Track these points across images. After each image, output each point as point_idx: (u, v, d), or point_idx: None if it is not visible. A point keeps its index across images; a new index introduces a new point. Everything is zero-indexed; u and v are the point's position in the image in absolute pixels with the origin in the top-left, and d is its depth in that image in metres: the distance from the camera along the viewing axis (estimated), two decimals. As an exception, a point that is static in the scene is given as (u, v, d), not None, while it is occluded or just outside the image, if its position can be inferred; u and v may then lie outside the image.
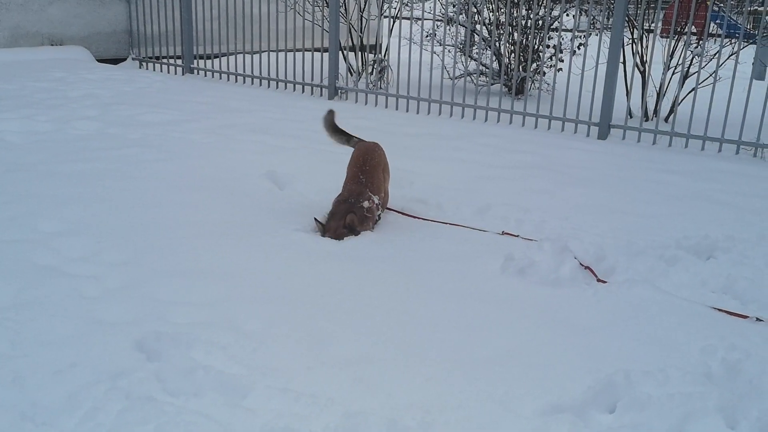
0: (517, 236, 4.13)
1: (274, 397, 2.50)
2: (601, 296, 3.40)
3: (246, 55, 9.83)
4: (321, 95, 9.04)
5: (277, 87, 9.48)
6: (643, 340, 2.98)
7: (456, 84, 8.48)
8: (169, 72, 10.41)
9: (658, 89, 8.03)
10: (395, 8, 10.09)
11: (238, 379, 2.59)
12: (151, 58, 10.68)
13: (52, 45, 10.70)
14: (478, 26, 9.41)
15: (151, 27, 10.53)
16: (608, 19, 7.47)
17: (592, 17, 9.01)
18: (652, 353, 2.88)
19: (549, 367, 2.76)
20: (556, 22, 9.16)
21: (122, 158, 5.43)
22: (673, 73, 8.01)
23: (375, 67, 9.77)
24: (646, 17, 8.46)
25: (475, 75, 9.44)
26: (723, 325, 3.10)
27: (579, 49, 8.57)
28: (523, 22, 8.91)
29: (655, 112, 7.92)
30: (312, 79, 9.17)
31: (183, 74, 10.28)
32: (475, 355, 2.83)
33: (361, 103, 8.74)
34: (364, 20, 9.96)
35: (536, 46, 9.17)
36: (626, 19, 7.40)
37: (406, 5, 10.68)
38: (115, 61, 11.11)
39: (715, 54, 7.33)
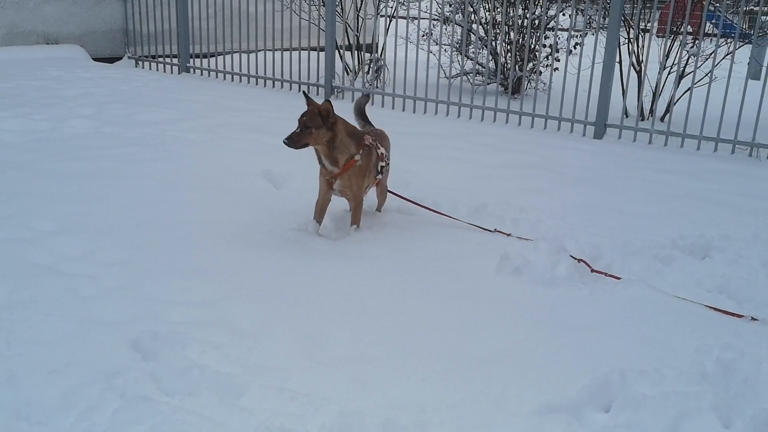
0: (509, 235, 4.13)
1: (270, 397, 2.50)
2: (597, 296, 3.40)
3: (242, 54, 9.82)
4: (318, 94, 9.03)
5: (273, 86, 9.47)
6: (639, 339, 2.99)
7: (452, 83, 8.47)
8: (165, 71, 10.40)
9: (654, 89, 8.04)
10: (391, 7, 10.08)
11: (234, 378, 2.59)
12: (147, 56, 10.66)
13: (47, 44, 10.67)
14: (474, 25, 9.42)
15: (148, 26, 10.51)
16: (604, 18, 7.48)
17: (588, 17, 9.02)
18: (647, 352, 2.88)
19: (544, 366, 2.77)
20: (553, 21, 9.17)
21: (118, 157, 5.42)
22: (669, 73, 8.02)
23: (371, 66, 9.77)
24: (642, 17, 8.46)
25: (471, 74, 9.45)
26: (718, 325, 3.11)
27: (575, 48, 8.58)
28: (520, 22, 8.92)
29: (651, 111, 7.93)
30: (309, 78, 9.16)
31: (179, 73, 10.27)
32: (470, 355, 2.83)
33: (357, 102, 8.73)
34: (360, 19, 9.95)
35: (533, 46, 9.17)
36: (622, 18, 7.41)
37: (403, 4, 10.68)
38: (111, 60, 11.09)
39: (710, 54, 7.34)
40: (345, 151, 3.89)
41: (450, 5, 9.61)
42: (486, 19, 9.50)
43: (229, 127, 6.70)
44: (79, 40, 10.93)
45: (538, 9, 9.17)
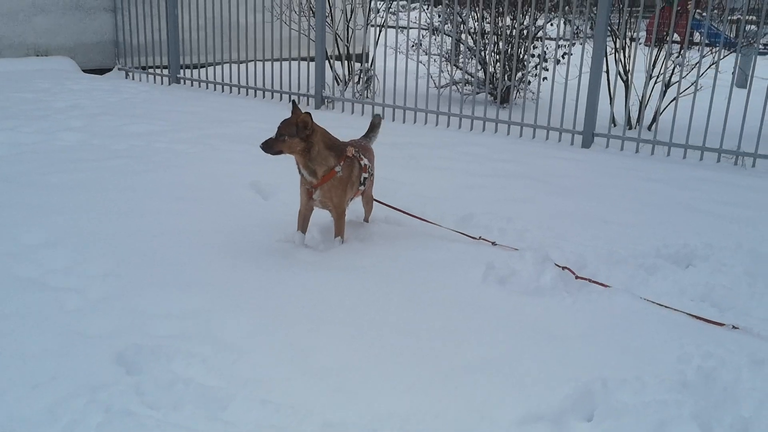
0: (494, 243, 4.15)
1: (254, 409, 2.52)
2: (581, 305, 3.43)
3: (233, 64, 9.85)
4: (308, 104, 9.06)
5: (263, 96, 9.50)
6: (621, 348, 3.02)
7: (442, 93, 8.52)
8: (155, 82, 10.41)
9: (640, 98, 8.10)
10: (381, 17, 10.14)
11: (218, 391, 2.60)
12: (137, 68, 10.68)
13: (37, 55, 10.67)
14: (463, 36, 9.48)
15: (138, 37, 10.53)
16: (591, 28, 7.54)
17: (575, 27, 9.09)
18: (629, 361, 2.91)
19: (527, 375, 2.79)
20: (541, 31, 9.23)
21: (106, 169, 5.43)
22: (656, 83, 8.09)
23: (361, 76, 9.81)
24: (628, 27, 8.54)
25: (460, 84, 9.50)
26: (699, 333, 3.14)
27: (563, 58, 8.64)
28: (508, 32, 8.98)
29: (638, 120, 7.99)
30: (299, 89, 9.19)
31: (169, 84, 10.28)
32: (454, 364, 2.85)
33: (347, 111, 8.77)
34: (350, 29, 10.00)
35: (521, 55, 9.24)
36: (609, 28, 7.47)
37: (392, 14, 10.74)
38: (101, 72, 11.09)
39: (696, 63, 7.41)
40: (323, 162, 3.91)
41: (439, 15, 9.67)
42: (475, 29, 9.56)
43: (218, 137, 6.72)
44: (69, 52, 10.93)
45: (527, 19, 9.23)
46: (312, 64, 9.06)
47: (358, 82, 9.84)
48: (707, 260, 4.01)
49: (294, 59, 9.38)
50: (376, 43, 10.03)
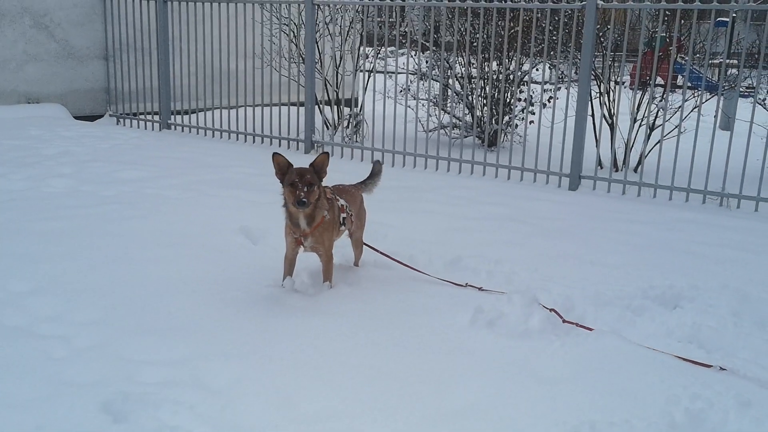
0: (480, 288, 4.17)
1: (241, 457, 2.50)
2: (569, 348, 3.44)
3: (223, 110, 9.95)
4: (297, 149, 9.15)
5: (254, 141, 9.58)
6: (609, 390, 3.02)
7: (430, 137, 8.63)
8: (146, 128, 10.49)
9: (626, 140, 8.22)
10: (370, 63, 10.30)
11: (205, 439, 2.58)
12: (128, 114, 10.76)
13: (29, 103, 10.75)
14: (450, 80, 9.63)
15: (129, 84, 10.64)
16: (576, 73, 7.69)
17: (560, 71, 9.26)
18: (617, 404, 2.91)
19: (515, 419, 2.79)
20: (527, 76, 9.39)
21: (95, 216, 5.44)
22: (640, 125, 8.22)
23: (351, 120, 9.92)
24: (612, 71, 8.71)
25: (448, 128, 9.62)
26: (687, 375, 3.15)
27: (549, 102, 8.78)
28: (495, 76, 9.14)
29: (624, 162, 8.10)
30: (288, 133, 9.28)
31: (160, 130, 10.36)
32: (442, 409, 2.84)
33: (337, 156, 8.84)
34: (339, 75, 10.15)
35: (508, 99, 9.38)
36: (593, 72, 7.62)
37: (381, 60, 10.92)
38: (93, 118, 11.17)
39: (678, 107, 7.54)
40: (322, 208, 3.94)
41: (427, 61, 9.83)
42: (462, 74, 9.72)
43: (208, 183, 6.76)
44: (61, 99, 11.03)
45: (513, 64, 9.40)
46: (302, 109, 9.17)
47: (348, 127, 9.95)
48: (693, 301, 4.04)
49: (284, 104, 9.49)
50: (365, 89, 10.17)
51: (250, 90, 9.58)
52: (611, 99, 8.52)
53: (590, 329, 3.59)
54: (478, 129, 9.01)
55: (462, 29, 8.79)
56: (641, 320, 3.80)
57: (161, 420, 2.68)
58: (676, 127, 7.12)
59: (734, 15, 10.43)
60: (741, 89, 8.48)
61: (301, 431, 2.67)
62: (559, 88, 8.62)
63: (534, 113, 9.01)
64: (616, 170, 8.27)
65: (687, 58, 7.54)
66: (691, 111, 7.56)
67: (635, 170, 8.30)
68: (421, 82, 9.23)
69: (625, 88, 8.66)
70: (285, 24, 9.73)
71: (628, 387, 3.05)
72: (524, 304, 3.82)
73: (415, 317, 3.76)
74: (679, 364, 3.27)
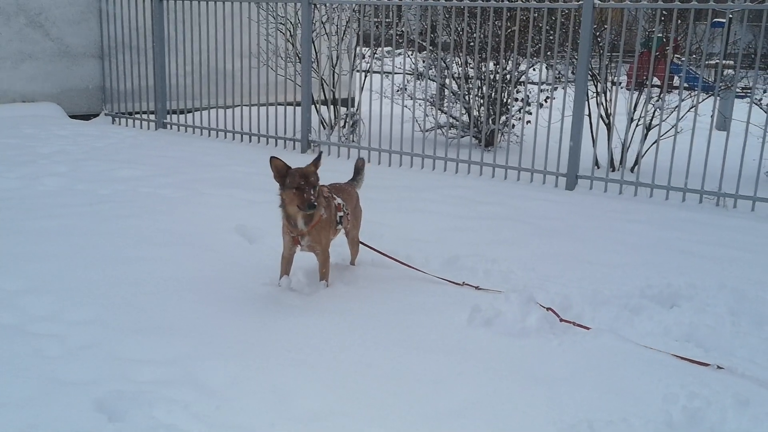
0: (478, 288, 4.16)
1: (237, 456, 2.48)
2: (566, 346, 3.43)
3: (219, 109, 9.92)
4: (294, 149, 9.12)
5: (250, 141, 9.56)
6: (606, 389, 3.01)
7: (427, 137, 8.62)
8: (141, 127, 10.45)
9: (623, 140, 8.21)
10: (367, 63, 10.29)
11: (200, 437, 2.56)
12: (124, 113, 10.73)
13: (24, 102, 10.71)
14: (447, 80, 9.62)
15: (125, 83, 10.60)
16: (572, 73, 7.68)
17: (557, 71, 9.26)
18: (614, 402, 2.90)
19: (513, 418, 2.77)
20: (524, 76, 9.39)
21: (89, 214, 5.41)
22: (637, 125, 8.22)
23: (347, 120, 9.90)
24: (609, 71, 8.71)
25: (445, 127, 9.61)
26: (685, 374, 3.14)
27: (546, 102, 8.78)
28: (492, 76, 9.13)
29: (621, 162, 8.09)
30: (285, 133, 9.26)
31: (156, 129, 10.33)
32: (439, 408, 2.83)
33: (333, 155, 8.82)
34: (336, 75, 10.13)
35: (505, 99, 9.38)
36: (589, 73, 7.62)
37: (378, 60, 10.90)
38: (88, 117, 11.14)
39: (675, 107, 7.54)
40: (320, 207, 3.93)
41: (424, 61, 9.82)
42: (459, 74, 9.72)
43: (204, 182, 6.74)
44: (56, 98, 10.99)
45: (510, 64, 9.39)
46: (298, 109, 9.15)
47: (344, 127, 9.93)
48: (691, 300, 4.03)
49: (280, 104, 9.47)
50: (362, 88, 10.16)
51: (247, 89, 9.56)
52: (608, 99, 8.52)
53: (588, 328, 3.59)
54: (475, 129, 9.00)
55: (459, 29, 8.78)
56: (639, 319, 3.79)
57: (156, 419, 2.66)
58: (673, 126, 7.12)
59: (731, 16, 10.44)
60: (737, 90, 8.48)
61: (296, 430, 2.65)
62: (556, 88, 8.63)
63: (531, 113, 9.01)
64: (613, 170, 8.27)
65: (683, 59, 7.55)
66: (688, 111, 7.56)
67: (632, 170, 8.30)
68: (418, 81, 9.23)
69: (621, 88, 8.66)
70: (281, 23, 9.71)
71: (625, 386, 3.04)
72: (521, 303, 3.80)
73: (412, 316, 3.74)
74: (677, 363, 3.26)
